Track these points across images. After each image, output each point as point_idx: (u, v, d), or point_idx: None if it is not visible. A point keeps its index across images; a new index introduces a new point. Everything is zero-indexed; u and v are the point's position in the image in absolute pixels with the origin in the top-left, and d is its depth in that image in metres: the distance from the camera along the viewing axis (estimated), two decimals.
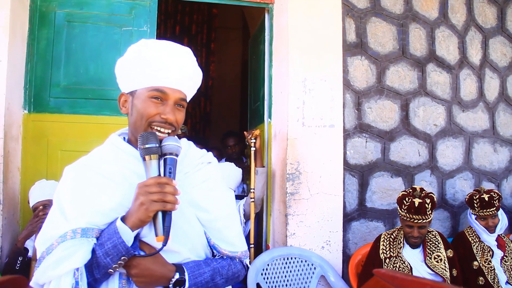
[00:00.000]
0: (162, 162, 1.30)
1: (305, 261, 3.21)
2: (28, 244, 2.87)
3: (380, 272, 0.87)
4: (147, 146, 1.27)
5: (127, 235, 1.22)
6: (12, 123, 3.04)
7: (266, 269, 3.14)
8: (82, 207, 1.28)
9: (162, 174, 1.28)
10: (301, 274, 3.19)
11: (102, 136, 3.47)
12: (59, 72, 3.31)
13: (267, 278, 3.12)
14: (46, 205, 2.88)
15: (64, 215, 1.29)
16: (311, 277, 3.19)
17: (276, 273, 3.15)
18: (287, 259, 3.21)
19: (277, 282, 3.14)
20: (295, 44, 3.35)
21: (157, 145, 1.28)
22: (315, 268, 3.20)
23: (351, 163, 3.45)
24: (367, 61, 3.54)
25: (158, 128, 1.34)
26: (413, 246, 2.92)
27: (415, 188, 2.93)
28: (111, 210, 1.28)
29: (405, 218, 2.85)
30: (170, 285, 1.29)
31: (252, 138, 3.46)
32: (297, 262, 3.21)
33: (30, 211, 2.98)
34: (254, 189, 3.40)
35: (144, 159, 1.28)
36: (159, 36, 3.57)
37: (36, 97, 3.26)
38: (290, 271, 3.18)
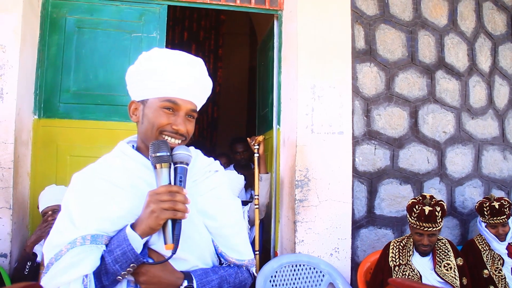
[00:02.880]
0: (172, 170, 1.30)
1: (314, 268, 3.20)
2: (37, 249, 2.87)
3: (396, 281, 0.86)
4: (158, 154, 1.27)
5: (137, 243, 1.22)
6: (22, 128, 3.06)
7: (275, 276, 3.12)
8: (91, 214, 1.28)
9: (172, 183, 1.28)
10: (309, 281, 3.17)
11: (111, 141, 3.47)
12: (69, 78, 3.33)
13: (276, 285, 3.10)
14: (55, 210, 2.89)
15: (73, 221, 1.28)
16: (320, 284, 3.17)
17: (284, 280, 3.14)
18: (296, 266, 3.19)
19: None
20: (304, 51, 3.36)
21: (168, 153, 1.29)
22: (323, 275, 3.18)
23: (360, 170, 3.44)
24: (376, 68, 3.54)
25: (169, 138, 1.35)
26: (423, 254, 2.90)
27: (425, 195, 2.92)
28: (120, 218, 1.28)
29: (415, 226, 2.83)
30: None
31: (255, 144, 3.46)
32: (306, 269, 3.19)
33: (39, 216, 2.99)
34: (258, 195, 3.39)
35: (155, 167, 1.28)
36: (168, 42, 3.58)
37: (46, 102, 3.28)
38: (299, 278, 3.17)
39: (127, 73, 1.44)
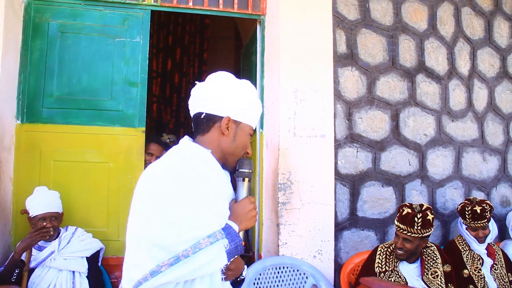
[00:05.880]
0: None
1: (297, 270, 3.23)
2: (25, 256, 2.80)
3: (367, 280, 0.89)
4: (246, 170, 1.60)
5: None
6: (4, 133, 3.05)
7: (258, 279, 3.15)
8: (215, 210, 1.46)
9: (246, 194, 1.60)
10: (293, 283, 3.20)
11: (94, 146, 3.47)
12: (52, 83, 3.32)
13: (260, 287, 3.12)
14: (54, 217, 2.84)
15: (197, 216, 1.39)
16: (303, 286, 3.20)
17: (268, 282, 3.17)
18: (279, 268, 3.22)
19: None
20: (286, 55, 3.39)
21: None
22: (307, 277, 3.21)
23: (342, 173, 3.48)
24: (357, 72, 3.59)
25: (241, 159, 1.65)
26: (406, 260, 2.93)
27: (415, 204, 2.97)
28: (227, 216, 1.50)
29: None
30: (242, 276, 1.61)
31: None
32: (289, 271, 3.22)
33: (23, 222, 2.96)
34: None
35: (243, 180, 1.60)
36: (152, 47, 3.59)
37: (29, 107, 3.27)
38: (282, 280, 3.19)
39: (223, 88, 1.62)
